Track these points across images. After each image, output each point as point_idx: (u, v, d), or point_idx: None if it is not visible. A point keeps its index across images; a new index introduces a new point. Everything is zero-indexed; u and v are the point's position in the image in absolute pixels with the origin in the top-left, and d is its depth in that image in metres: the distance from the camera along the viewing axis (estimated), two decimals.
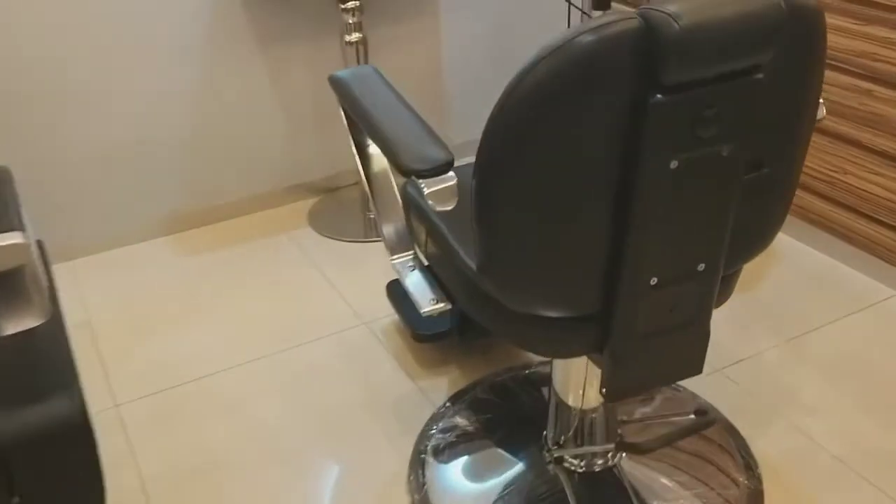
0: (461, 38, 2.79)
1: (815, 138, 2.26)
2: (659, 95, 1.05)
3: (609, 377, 1.32)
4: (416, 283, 1.41)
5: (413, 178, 1.16)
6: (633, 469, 1.63)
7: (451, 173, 1.16)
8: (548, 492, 1.60)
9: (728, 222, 1.21)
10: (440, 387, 1.92)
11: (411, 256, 1.47)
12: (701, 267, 1.23)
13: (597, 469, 1.63)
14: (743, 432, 1.70)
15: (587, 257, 1.18)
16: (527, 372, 1.93)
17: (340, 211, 2.68)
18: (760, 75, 1.08)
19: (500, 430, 1.75)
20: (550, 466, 1.65)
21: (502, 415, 1.81)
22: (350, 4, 2.31)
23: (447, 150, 1.18)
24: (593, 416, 1.60)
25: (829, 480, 1.62)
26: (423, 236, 1.43)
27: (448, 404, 1.85)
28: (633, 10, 1.04)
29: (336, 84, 1.41)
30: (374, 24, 2.63)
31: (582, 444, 1.63)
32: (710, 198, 1.18)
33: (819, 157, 2.28)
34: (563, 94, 1.04)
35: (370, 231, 2.56)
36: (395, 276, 1.61)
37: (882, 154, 2.10)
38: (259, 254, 2.49)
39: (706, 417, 1.42)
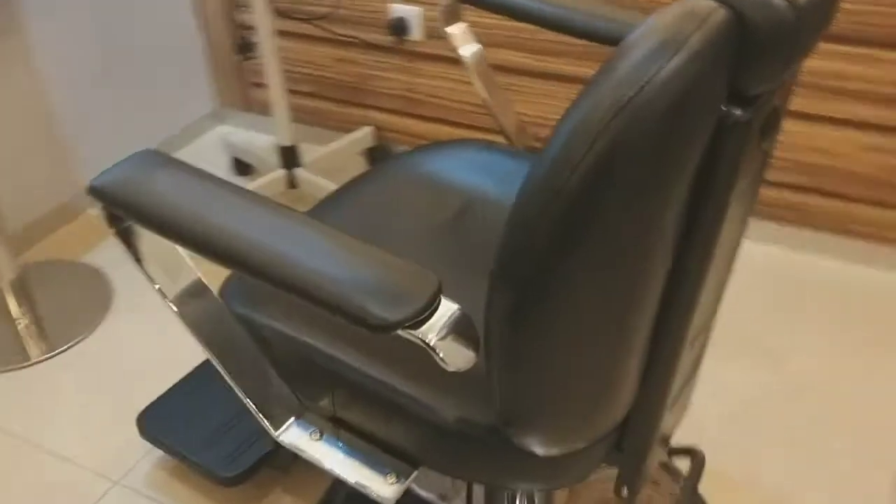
0: (64, 54, 2.10)
1: None
2: (739, 111, 0.72)
3: (632, 469, 1.00)
4: (343, 460, 0.92)
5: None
6: None
7: (446, 304, 0.72)
8: None
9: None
10: None
11: (306, 419, 0.96)
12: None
13: None
14: None
15: (638, 345, 0.83)
16: None
17: None
18: None
19: None
20: None
21: None
22: None
23: (417, 269, 0.73)
24: None
25: None
26: (323, 392, 0.95)
27: None
28: None
29: (110, 199, 0.83)
30: None
31: None
32: (740, 222, 0.90)
33: None
34: (645, 155, 0.66)
35: (28, 346, 1.83)
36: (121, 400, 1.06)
37: None
38: None
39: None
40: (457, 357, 0.72)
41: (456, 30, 1.30)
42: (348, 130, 2.40)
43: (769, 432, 1.55)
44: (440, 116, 2.27)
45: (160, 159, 0.86)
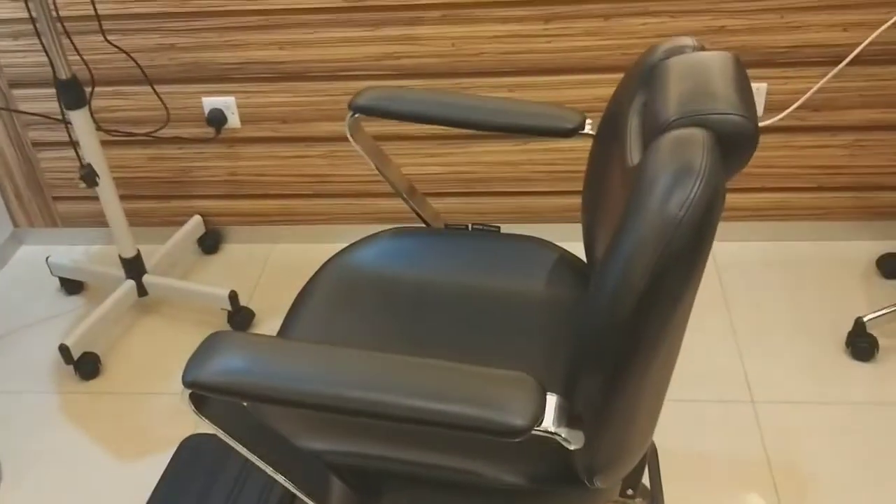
0: None
1: None
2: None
3: (635, 473, 1.24)
4: None
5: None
6: None
7: (550, 397, 0.90)
8: None
9: None
10: None
11: None
12: None
13: None
14: None
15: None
16: None
17: None
18: None
19: None
20: None
21: None
22: None
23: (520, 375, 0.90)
24: None
25: None
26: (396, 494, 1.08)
27: None
28: (682, 129, 0.91)
29: (223, 390, 0.91)
30: None
31: None
32: None
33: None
34: (686, 264, 0.88)
35: None
36: None
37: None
38: None
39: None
40: (574, 437, 0.90)
41: (360, 141, 1.44)
42: (173, 224, 2.41)
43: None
44: (266, 192, 2.36)
45: (233, 340, 0.95)
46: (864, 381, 1.88)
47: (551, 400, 0.90)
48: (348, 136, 1.43)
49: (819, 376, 1.90)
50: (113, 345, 2.14)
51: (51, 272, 2.31)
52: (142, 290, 2.19)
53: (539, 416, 0.88)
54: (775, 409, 1.83)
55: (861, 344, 1.91)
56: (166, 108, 2.22)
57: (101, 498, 1.75)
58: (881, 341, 1.93)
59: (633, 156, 1.03)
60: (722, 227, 2.29)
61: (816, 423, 1.79)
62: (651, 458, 1.37)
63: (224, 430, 0.96)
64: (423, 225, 1.52)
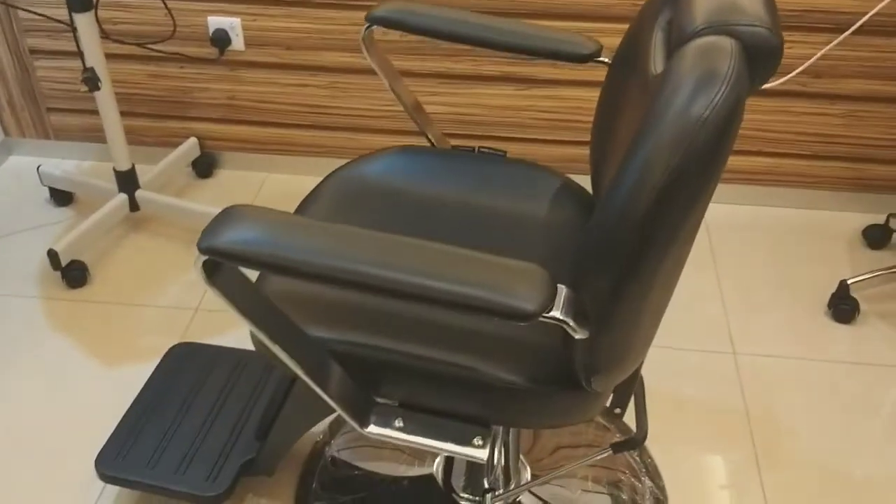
0: None
1: None
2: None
3: (623, 392, 1.26)
4: (428, 438, 1.08)
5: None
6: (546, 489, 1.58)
7: (561, 287, 0.92)
8: None
9: None
10: None
11: (384, 411, 1.09)
12: None
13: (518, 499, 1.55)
14: None
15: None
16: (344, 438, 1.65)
17: None
18: None
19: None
20: None
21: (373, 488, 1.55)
22: None
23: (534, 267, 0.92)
24: (507, 447, 1.49)
25: None
26: (393, 385, 1.09)
27: None
28: (709, 38, 0.92)
29: (238, 256, 0.92)
30: None
31: (508, 479, 1.51)
32: None
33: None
34: (704, 167, 0.89)
35: None
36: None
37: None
38: None
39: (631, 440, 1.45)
40: (580, 330, 0.92)
41: (373, 55, 1.44)
42: (168, 145, 2.40)
43: None
44: (264, 119, 2.35)
45: (248, 213, 0.95)
46: (843, 341, 1.92)
47: (561, 290, 0.92)
48: (362, 48, 1.43)
49: (800, 334, 1.93)
50: (101, 256, 2.13)
51: (41, 181, 2.29)
52: (134, 205, 2.18)
53: (548, 305, 0.89)
54: (755, 362, 1.87)
55: (843, 306, 1.94)
56: (172, 18, 2.19)
57: (85, 401, 1.76)
58: (862, 306, 1.97)
59: (657, 65, 1.04)
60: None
61: (794, 378, 1.83)
62: (638, 388, 1.39)
63: (232, 302, 0.97)
64: (430, 145, 1.53)
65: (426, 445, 1.10)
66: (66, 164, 2.47)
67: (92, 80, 1.85)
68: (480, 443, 1.09)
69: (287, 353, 1.02)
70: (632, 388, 1.25)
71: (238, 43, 2.22)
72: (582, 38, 1.38)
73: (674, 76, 0.90)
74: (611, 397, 1.25)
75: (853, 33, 2.02)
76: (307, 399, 1.40)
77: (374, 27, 1.41)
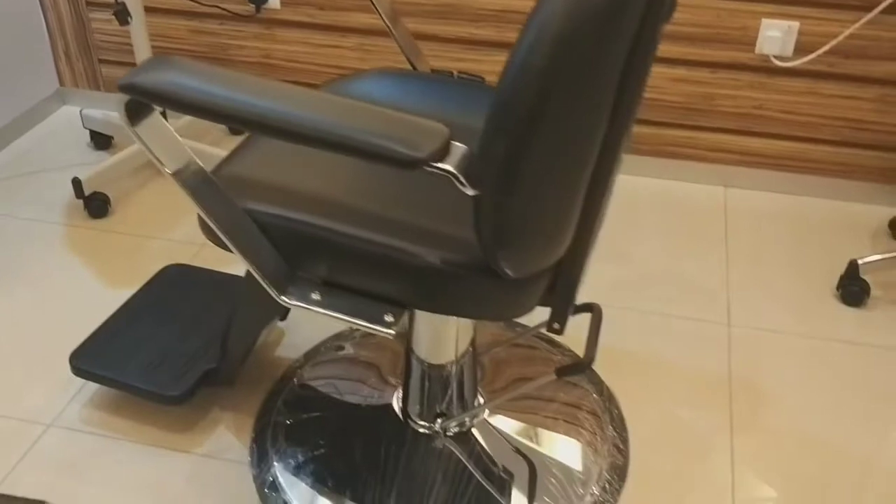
0: None
1: None
2: None
3: (562, 306, 1.24)
4: (342, 312, 1.09)
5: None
6: (503, 423, 1.56)
7: (455, 145, 0.92)
8: (443, 466, 1.46)
9: None
10: (230, 442, 1.55)
11: (304, 285, 1.12)
12: None
13: (472, 429, 1.53)
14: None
15: (583, 187, 1.07)
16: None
17: None
18: None
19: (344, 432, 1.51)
20: (439, 441, 1.49)
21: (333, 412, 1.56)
22: None
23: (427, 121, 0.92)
24: (461, 377, 1.48)
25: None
26: (315, 260, 1.12)
27: (264, 444, 1.52)
28: None
29: (151, 93, 0.96)
30: None
31: (463, 408, 1.51)
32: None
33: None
34: (594, 36, 0.89)
35: None
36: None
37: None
38: None
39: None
40: (471, 188, 0.93)
41: None
42: None
43: (626, 309, 1.86)
44: (297, 79, 2.43)
45: (176, 60, 1.00)
46: (848, 322, 1.83)
47: (458, 146, 0.92)
48: None
49: (802, 313, 1.86)
50: (125, 192, 2.23)
51: (83, 124, 2.41)
52: None
53: (439, 156, 0.90)
54: (749, 334, 1.80)
55: (852, 287, 1.86)
56: None
57: (80, 312, 1.83)
58: (876, 291, 1.88)
59: None
60: (737, 173, 2.26)
61: (787, 351, 1.76)
62: (594, 318, 1.36)
63: (150, 149, 1.01)
64: (410, 67, 1.55)
65: (339, 318, 1.11)
66: (112, 115, 2.60)
67: (122, 14, 1.96)
68: (391, 319, 1.10)
69: (206, 211, 1.05)
70: (565, 306, 1.23)
71: (275, 1, 2.30)
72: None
73: None
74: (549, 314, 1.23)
75: (883, 12, 1.96)
76: (254, 299, 1.43)
77: None
